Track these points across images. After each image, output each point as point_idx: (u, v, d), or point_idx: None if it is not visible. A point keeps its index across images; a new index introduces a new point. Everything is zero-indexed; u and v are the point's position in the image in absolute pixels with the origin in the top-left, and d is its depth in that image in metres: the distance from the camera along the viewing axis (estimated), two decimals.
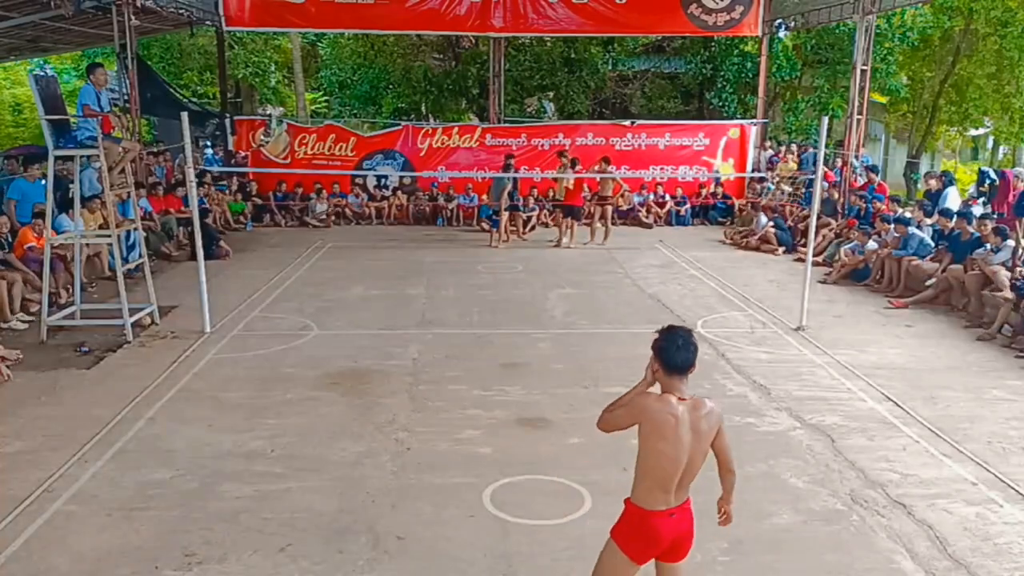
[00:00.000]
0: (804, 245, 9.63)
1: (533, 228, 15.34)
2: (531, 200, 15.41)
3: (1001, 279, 8.87)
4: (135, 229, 9.50)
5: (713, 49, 20.61)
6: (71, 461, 5.37)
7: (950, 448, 5.80)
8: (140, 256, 9.44)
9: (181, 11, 15.12)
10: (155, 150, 16.48)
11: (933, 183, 12.89)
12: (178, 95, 19.02)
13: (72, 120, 8.29)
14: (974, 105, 20.52)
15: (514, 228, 14.68)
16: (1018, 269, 8.96)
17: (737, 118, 18.83)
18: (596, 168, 14.13)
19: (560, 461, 5.51)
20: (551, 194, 15.42)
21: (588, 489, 5.06)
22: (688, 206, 16.64)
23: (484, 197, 15.61)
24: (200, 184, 13.95)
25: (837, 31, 18.96)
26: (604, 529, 4.64)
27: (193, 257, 9.36)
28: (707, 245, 14.33)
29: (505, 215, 13.96)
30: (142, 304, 8.72)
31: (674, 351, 3.11)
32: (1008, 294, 8.59)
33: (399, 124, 17.82)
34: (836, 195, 14.12)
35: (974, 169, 20.31)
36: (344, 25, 17.94)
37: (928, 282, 10.05)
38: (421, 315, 9.35)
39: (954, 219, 10.52)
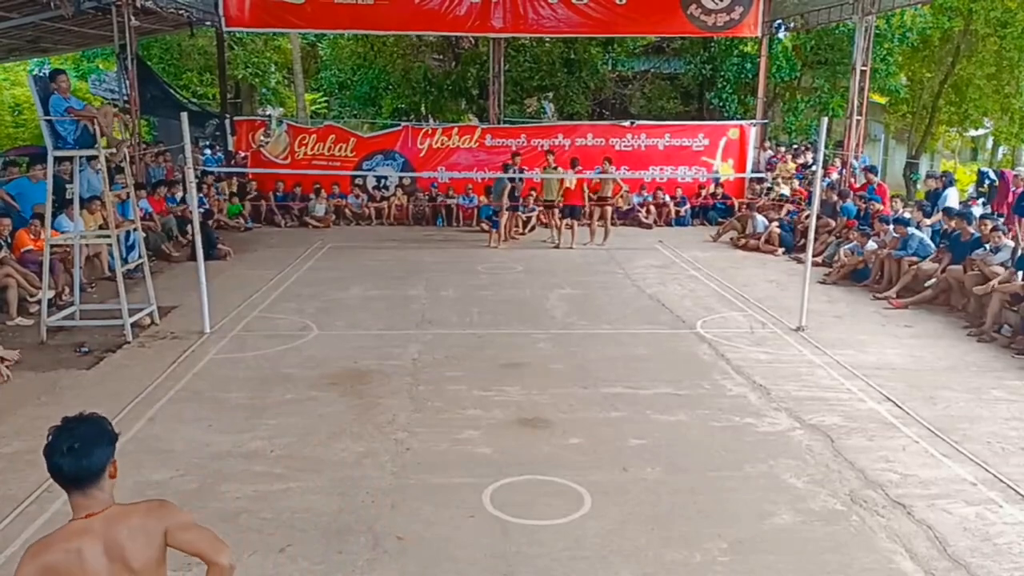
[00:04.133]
0: (804, 246, 9.63)
1: (533, 228, 15.33)
2: (531, 200, 15.40)
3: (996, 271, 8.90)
4: (134, 229, 9.50)
5: (713, 50, 20.62)
6: None
7: (950, 448, 5.80)
8: (140, 256, 9.44)
9: (181, 12, 15.14)
10: (155, 150, 16.48)
11: (932, 183, 12.91)
12: (178, 95, 19.04)
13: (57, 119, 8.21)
14: (974, 106, 20.52)
15: (516, 228, 14.69)
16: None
17: (737, 119, 18.84)
18: (599, 168, 14.17)
19: (560, 461, 5.51)
20: (533, 194, 15.44)
21: (588, 489, 5.07)
22: (688, 207, 16.64)
23: (483, 197, 15.63)
24: (200, 185, 13.97)
25: (837, 32, 18.98)
26: (604, 529, 4.67)
27: (193, 257, 9.37)
28: (706, 246, 14.32)
29: (505, 215, 13.97)
30: (142, 304, 8.72)
31: (58, 457, 2.21)
32: (1006, 285, 8.58)
33: (399, 125, 17.82)
34: (834, 197, 14.12)
35: (973, 169, 20.33)
36: (344, 26, 17.95)
37: (928, 283, 10.05)
38: (421, 315, 9.35)
39: (954, 219, 10.53)
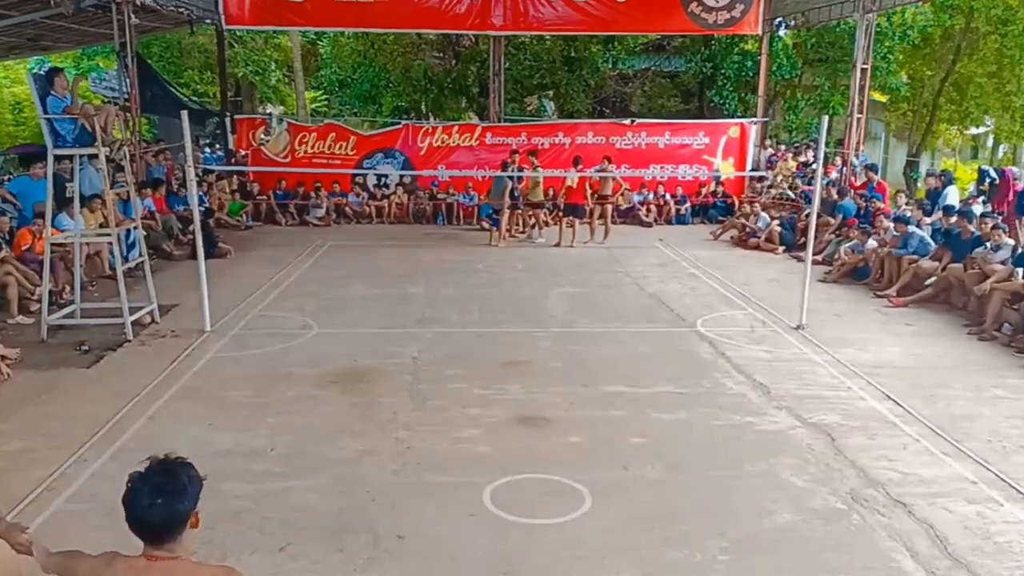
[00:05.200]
0: (804, 245, 9.62)
1: (534, 227, 15.30)
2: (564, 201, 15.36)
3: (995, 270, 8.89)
4: (135, 228, 9.50)
5: (713, 48, 20.60)
6: (71, 460, 5.37)
7: (950, 447, 5.79)
8: (140, 255, 9.44)
9: (181, 10, 15.11)
10: (156, 149, 16.47)
11: (932, 181, 12.88)
12: (178, 94, 19.02)
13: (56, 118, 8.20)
14: (974, 103, 20.52)
15: (517, 227, 14.68)
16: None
17: (737, 117, 18.82)
18: (599, 167, 14.21)
19: (560, 460, 5.51)
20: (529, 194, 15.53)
21: (588, 488, 5.06)
22: (688, 205, 16.63)
23: (484, 195, 15.62)
24: (200, 184, 13.97)
25: (837, 29, 18.95)
26: (604, 528, 4.67)
27: (193, 256, 9.36)
28: (707, 244, 14.33)
29: (506, 214, 13.95)
30: (142, 303, 8.72)
31: (141, 509, 2.14)
32: (1007, 283, 8.57)
33: (399, 123, 17.83)
34: (834, 195, 14.11)
35: (974, 168, 20.31)
36: (344, 24, 17.95)
37: (928, 281, 10.04)
38: (421, 314, 9.34)
39: (954, 216, 10.52)
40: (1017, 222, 10.94)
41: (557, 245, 13.71)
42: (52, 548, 2.45)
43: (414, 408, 6.42)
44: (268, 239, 14.24)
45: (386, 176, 16.77)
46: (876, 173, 14.39)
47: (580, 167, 13.81)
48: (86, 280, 9.78)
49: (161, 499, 2.11)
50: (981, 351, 8.15)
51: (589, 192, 14.07)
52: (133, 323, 8.24)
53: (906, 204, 12.84)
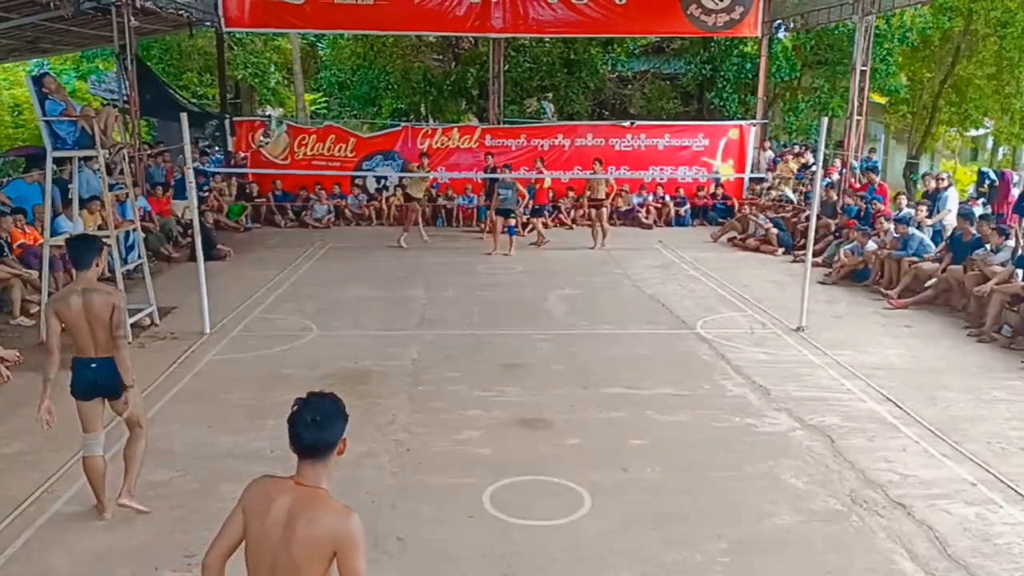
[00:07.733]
0: (804, 246, 9.63)
1: (533, 229, 15.30)
2: (531, 202, 15.37)
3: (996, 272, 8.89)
4: (134, 230, 9.49)
5: (713, 50, 20.61)
6: (71, 462, 5.36)
7: (950, 449, 5.80)
8: (139, 257, 9.44)
9: (180, 12, 15.13)
10: (155, 151, 16.47)
11: (933, 183, 12.89)
12: (177, 96, 19.02)
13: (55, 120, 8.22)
14: (974, 106, 20.50)
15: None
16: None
17: (737, 119, 18.84)
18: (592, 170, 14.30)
19: (560, 461, 5.51)
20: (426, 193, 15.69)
21: (588, 489, 5.07)
22: (688, 207, 16.63)
23: (482, 197, 15.64)
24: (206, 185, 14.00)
25: (836, 32, 18.97)
26: (604, 530, 4.67)
27: (192, 258, 9.36)
28: (707, 246, 14.31)
29: (491, 219, 13.89)
30: (141, 305, 8.71)
31: (301, 426, 2.46)
32: (1007, 285, 8.57)
33: (399, 125, 17.82)
34: (834, 196, 14.12)
35: (974, 169, 20.32)
36: (343, 26, 17.94)
37: (928, 283, 10.04)
38: (421, 316, 9.35)
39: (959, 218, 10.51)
40: (1017, 224, 10.94)
41: (535, 244, 13.86)
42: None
43: (414, 410, 6.42)
44: (267, 241, 14.24)
45: (385, 178, 16.77)
46: (877, 175, 14.39)
47: (544, 167, 14.06)
48: None
49: (319, 417, 2.44)
50: (981, 353, 8.15)
51: (552, 193, 14.18)
52: (132, 325, 8.23)
53: (907, 206, 12.83)
